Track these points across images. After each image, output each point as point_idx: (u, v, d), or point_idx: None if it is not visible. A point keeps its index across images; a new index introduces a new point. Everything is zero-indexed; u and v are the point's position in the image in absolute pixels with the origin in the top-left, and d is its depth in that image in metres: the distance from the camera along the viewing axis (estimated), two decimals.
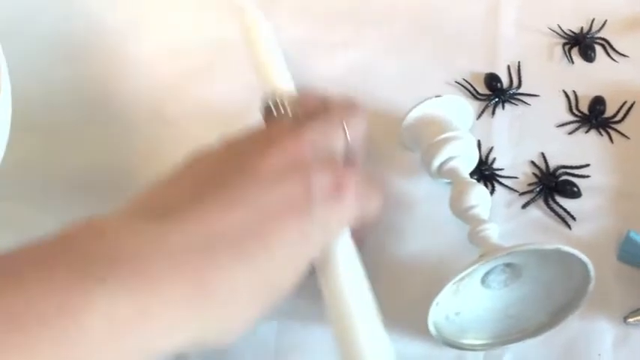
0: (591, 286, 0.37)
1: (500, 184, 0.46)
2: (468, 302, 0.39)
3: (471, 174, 0.45)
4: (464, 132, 0.44)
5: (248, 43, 0.48)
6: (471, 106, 0.46)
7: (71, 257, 0.26)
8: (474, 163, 0.45)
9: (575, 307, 0.38)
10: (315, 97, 0.39)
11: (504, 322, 0.39)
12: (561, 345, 0.40)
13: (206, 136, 0.48)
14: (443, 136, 0.43)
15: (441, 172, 0.43)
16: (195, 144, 0.48)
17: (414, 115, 0.44)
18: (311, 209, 0.32)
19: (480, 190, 0.40)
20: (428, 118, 0.44)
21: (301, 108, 0.37)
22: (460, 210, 0.40)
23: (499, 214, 0.44)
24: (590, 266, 0.36)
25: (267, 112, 0.38)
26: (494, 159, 0.47)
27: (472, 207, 0.40)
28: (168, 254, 0.28)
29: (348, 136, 0.37)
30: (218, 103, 0.51)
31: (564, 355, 0.39)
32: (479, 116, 0.49)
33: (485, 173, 0.46)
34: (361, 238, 0.37)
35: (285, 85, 0.45)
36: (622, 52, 0.52)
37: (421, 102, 0.44)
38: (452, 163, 0.42)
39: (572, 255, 0.35)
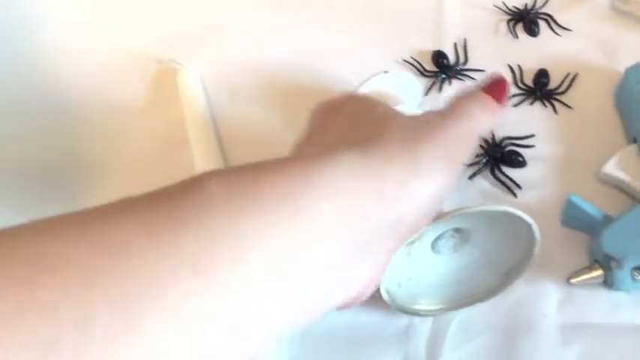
0: (537, 248, 0.38)
1: None
2: (419, 268, 0.40)
3: None
4: (410, 107, 0.45)
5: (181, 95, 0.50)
6: (418, 82, 0.47)
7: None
8: None
9: (522, 269, 0.39)
10: None
11: (455, 287, 0.40)
12: (508, 307, 0.41)
13: (155, 122, 0.49)
14: None
15: None
16: (145, 131, 0.49)
17: (362, 91, 0.45)
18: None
19: None
20: (375, 94, 0.45)
21: None
22: None
23: None
24: (535, 227, 0.37)
25: None
26: None
27: None
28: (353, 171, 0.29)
29: None
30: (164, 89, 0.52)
31: (511, 317, 0.40)
32: (427, 92, 0.50)
33: None
34: None
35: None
36: (565, 26, 0.54)
37: (368, 78, 0.45)
38: None
39: (518, 217, 0.36)
